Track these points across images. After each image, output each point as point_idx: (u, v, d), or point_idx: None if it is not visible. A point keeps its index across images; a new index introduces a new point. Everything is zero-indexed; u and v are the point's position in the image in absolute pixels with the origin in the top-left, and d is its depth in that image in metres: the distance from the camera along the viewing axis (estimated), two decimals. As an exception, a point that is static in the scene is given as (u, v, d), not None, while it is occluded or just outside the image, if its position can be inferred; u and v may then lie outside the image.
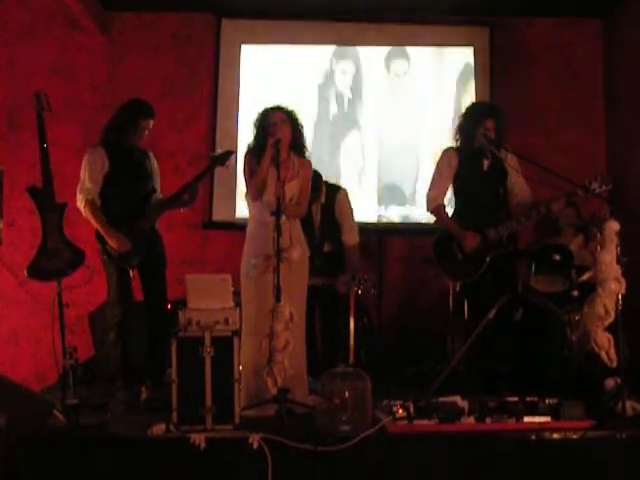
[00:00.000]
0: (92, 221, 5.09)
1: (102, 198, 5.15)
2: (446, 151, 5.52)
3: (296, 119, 4.94)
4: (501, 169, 5.41)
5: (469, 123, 5.40)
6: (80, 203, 5.10)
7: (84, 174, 5.13)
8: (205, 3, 7.16)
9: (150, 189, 5.31)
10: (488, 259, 5.23)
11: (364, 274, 5.61)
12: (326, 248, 5.96)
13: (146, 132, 5.26)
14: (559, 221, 6.05)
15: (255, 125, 4.94)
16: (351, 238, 5.96)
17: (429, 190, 5.53)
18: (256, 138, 4.91)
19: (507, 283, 5.28)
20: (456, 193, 5.57)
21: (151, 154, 5.45)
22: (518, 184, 5.42)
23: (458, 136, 5.48)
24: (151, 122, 5.26)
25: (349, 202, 6.05)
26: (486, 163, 5.41)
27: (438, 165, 5.54)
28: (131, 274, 5.13)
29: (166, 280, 5.31)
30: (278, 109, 4.91)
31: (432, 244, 5.52)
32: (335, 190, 6.06)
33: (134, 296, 5.23)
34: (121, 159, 5.17)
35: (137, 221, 5.12)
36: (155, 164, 5.45)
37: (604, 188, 5.01)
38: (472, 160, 5.41)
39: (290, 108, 4.95)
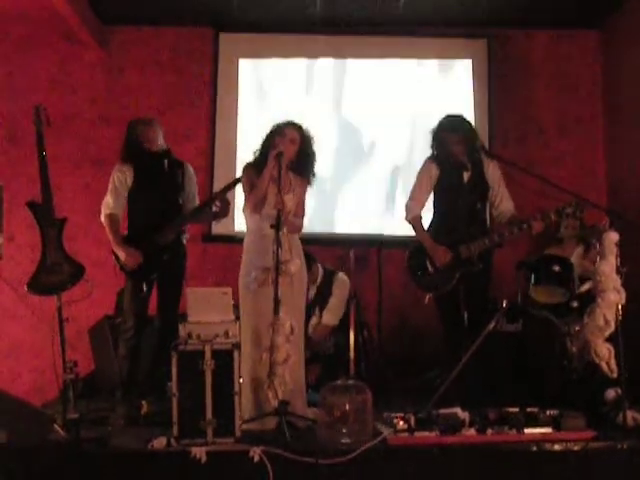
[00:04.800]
0: (108, 234, 5.19)
1: (129, 212, 5.29)
2: (427, 162, 5.50)
3: (308, 138, 4.91)
4: (481, 183, 5.41)
5: (439, 136, 5.41)
6: (101, 216, 5.25)
7: (109, 188, 5.25)
8: (203, 18, 7.19)
9: (175, 202, 5.34)
10: (457, 275, 5.25)
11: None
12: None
13: (154, 133, 5.32)
14: (562, 232, 6.03)
15: (267, 136, 4.91)
16: (331, 319, 5.95)
17: (408, 199, 5.53)
18: (262, 149, 4.90)
19: (477, 297, 5.28)
20: (434, 204, 5.55)
21: (188, 166, 5.50)
22: (500, 195, 5.44)
23: (434, 147, 5.48)
24: (145, 127, 5.32)
25: (346, 287, 6.01)
26: (466, 176, 5.38)
27: (419, 175, 5.53)
28: (145, 288, 5.16)
29: (181, 295, 5.27)
30: (292, 125, 4.89)
31: (407, 254, 5.53)
32: (332, 273, 6.06)
33: (147, 311, 5.28)
34: (146, 172, 5.25)
35: (154, 235, 5.16)
36: (189, 176, 5.47)
37: (578, 214, 5.05)
38: (452, 172, 5.40)
39: (308, 132, 4.92)
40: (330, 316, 5.93)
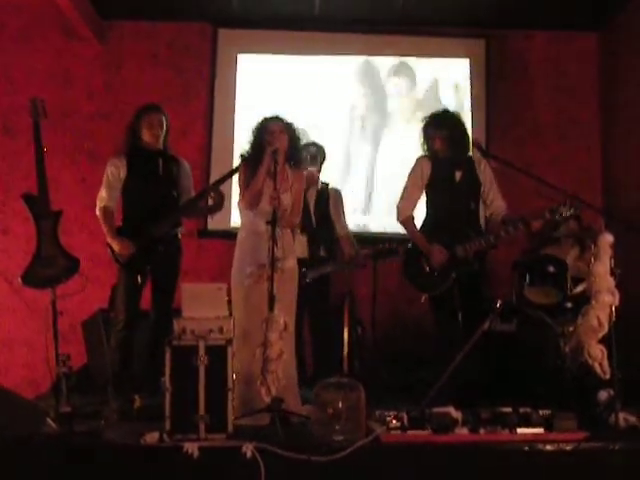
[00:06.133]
0: (102, 227, 5.22)
1: (123, 205, 5.31)
2: (419, 160, 5.44)
3: (294, 130, 4.96)
4: (474, 182, 5.37)
5: (426, 132, 5.38)
6: (96, 210, 5.27)
7: (103, 182, 5.28)
8: (201, 13, 7.19)
9: (169, 195, 5.35)
10: (454, 275, 5.22)
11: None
12: (322, 253, 6.03)
13: (158, 129, 5.30)
14: (560, 232, 6.01)
15: (253, 133, 4.96)
16: (345, 229, 6.16)
17: (400, 200, 5.46)
18: (252, 146, 4.92)
19: (472, 298, 5.25)
20: (426, 203, 5.49)
21: (183, 162, 5.51)
22: (493, 194, 5.40)
23: (424, 145, 5.43)
24: (156, 117, 5.32)
25: (341, 198, 6.19)
26: (458, 174, 5.33)
27: (410, 175, 5.46)
28: (139, 280, 5.18)
29: (175, 290, 5.30)
30: (277, 119, 4.93)
31: (402, 254, 5.52)
32: (327, 185, 6.20)
33: (140, 305, 5.29)
34: (139, 166, 5.27)
35: (148, 227, 5.16)
36: (184, 171, 5.49)
37: (570, 213, 5.04)
38: (444, 171, 5.34)
39: (288, 119, 4.96)
40: (344, 229, 6.14)
